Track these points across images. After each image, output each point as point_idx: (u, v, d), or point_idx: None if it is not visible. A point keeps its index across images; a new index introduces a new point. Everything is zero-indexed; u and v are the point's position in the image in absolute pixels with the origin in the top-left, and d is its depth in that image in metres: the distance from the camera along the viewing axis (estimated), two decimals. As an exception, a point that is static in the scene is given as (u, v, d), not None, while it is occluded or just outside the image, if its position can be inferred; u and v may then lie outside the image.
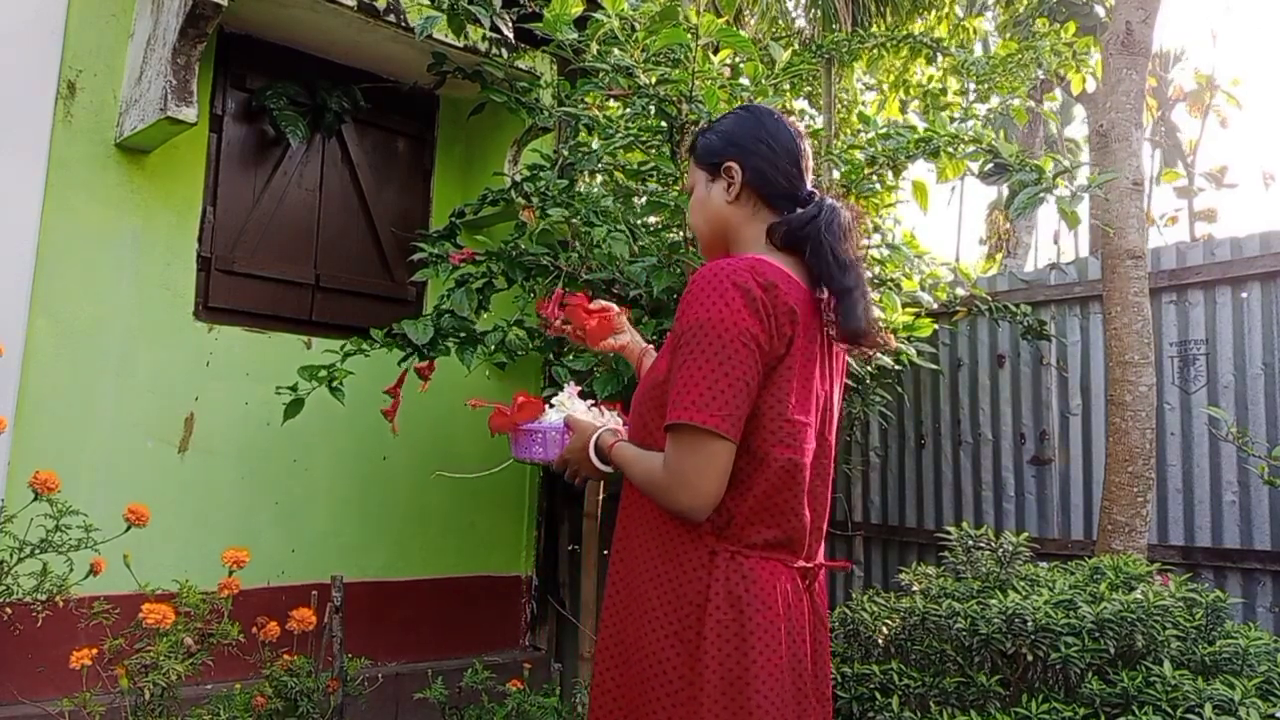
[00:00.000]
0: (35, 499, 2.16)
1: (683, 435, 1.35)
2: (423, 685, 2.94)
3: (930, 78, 5.89)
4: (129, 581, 2.30)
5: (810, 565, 1.49)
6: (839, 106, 6.51)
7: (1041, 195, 2.64)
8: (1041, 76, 5.77)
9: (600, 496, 3.67)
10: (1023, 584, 2.27)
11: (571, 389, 1.80)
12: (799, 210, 1.51)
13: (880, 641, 2.26)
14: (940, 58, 5.56)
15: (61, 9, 2.96)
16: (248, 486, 3.29)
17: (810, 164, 1.59)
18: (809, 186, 1.56)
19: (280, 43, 3.50)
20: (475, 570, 3.82)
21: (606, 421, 1.66)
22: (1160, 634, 1.97)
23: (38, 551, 2.16)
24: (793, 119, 1.61)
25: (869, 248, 3.51)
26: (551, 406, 1.75)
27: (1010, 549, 2.42)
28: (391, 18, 3.24)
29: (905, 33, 5.51)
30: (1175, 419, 3.37)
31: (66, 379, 2.94)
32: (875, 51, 5.57)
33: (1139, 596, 2.02)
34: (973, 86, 5.48)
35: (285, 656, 2.56)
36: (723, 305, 1.36)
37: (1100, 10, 9.94)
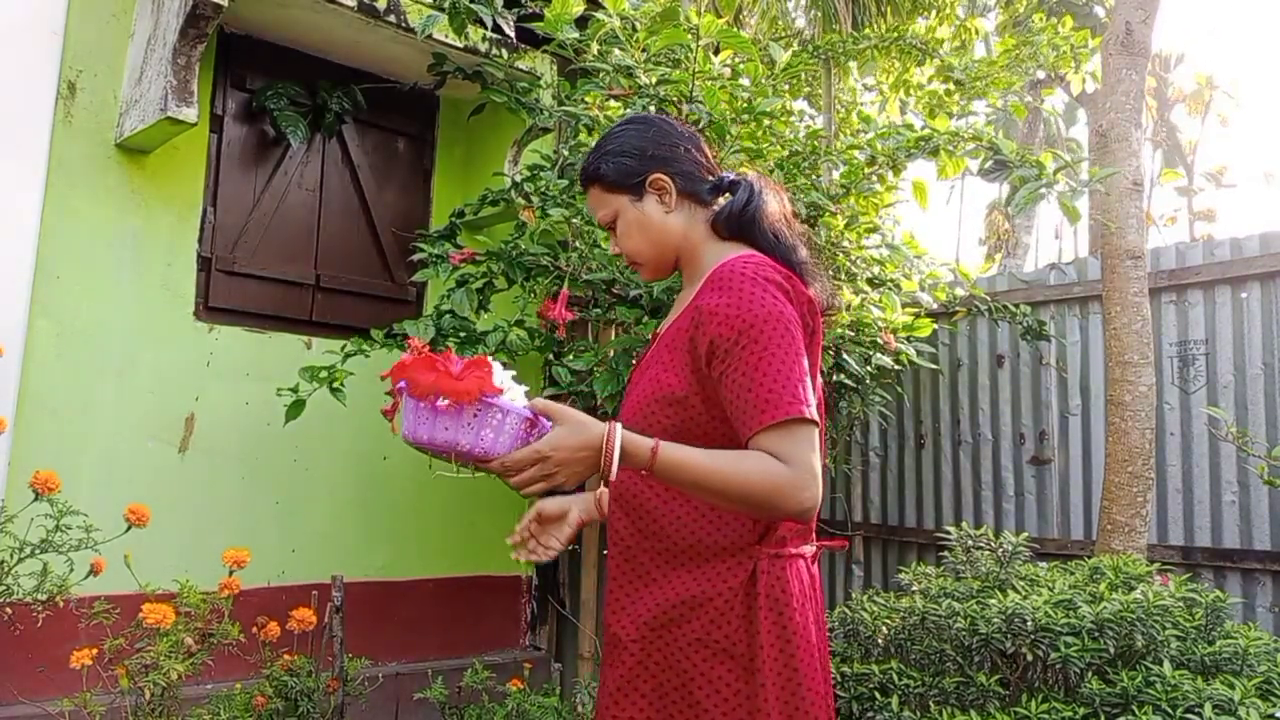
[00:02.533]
0: (35, 499, 2.16)
1: (797, 430, 1.29)
2: (423, 685, 2.94)
3: (931, 77, 5.89)
4: (129, 581, 2.30)
5: (815, 549, 1.50)
6: (838, 107, 6.51)
7: (1042, 191, 2.64)
8: (1041, 75, 5.77)
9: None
10: (1022, 584, 2.27)
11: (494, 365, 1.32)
12: (729, 197, 1.51)
13: (880, 641, 2.26)
14: (928, 60, 5.56)
15: (61, 9, 2.96)
16: (248, 486, 3.29)
17: (707, 148, 1.59)
18: (721, 172, 1.56)
19: (281, 43, 3.50)
20: (475, 570, 3.82)
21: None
22: (1160, 634, 1.97)
23: (38, 551, 2.16)
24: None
25: (868, 248, 3.51)
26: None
27: (1010, 549, 2.42)
28: (392, 18, 3.24)
29: (896, 35, 5.51)
30: (1175, 419, 3.37)
31: (66, 379, 2.94)
32: (869, 53, 5.57)
33: (1139, 596, 2.02)
34: (966, 86, 5.48)
35: (285, 656, 2.56)
36: (771, 300, 1.34)
37: (1100, 10, 9.94)
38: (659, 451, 1.27)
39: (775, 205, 1.52)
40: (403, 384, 1.23)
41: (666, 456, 1.27)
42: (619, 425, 1.27)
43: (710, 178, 1.54)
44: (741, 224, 1.49)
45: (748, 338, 1.32)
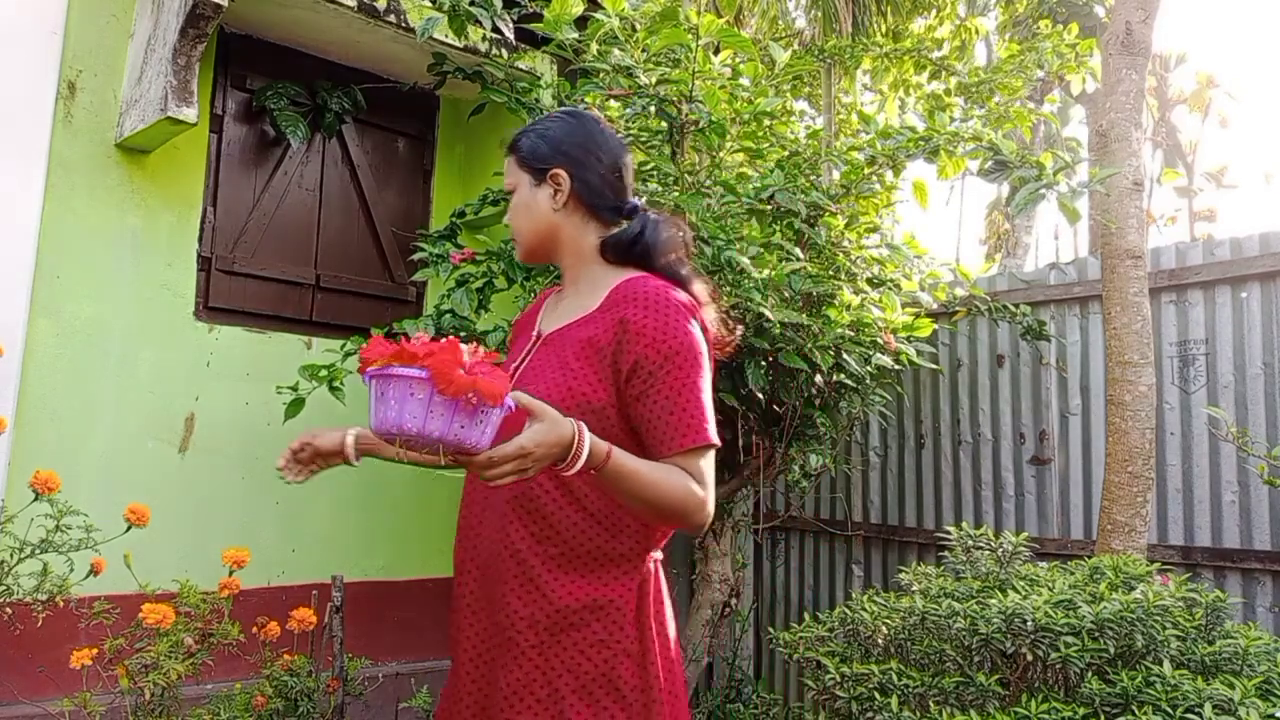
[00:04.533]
0: (35, 499, 2.16)
1: (709, 455, 1.44)
2: (423, 685, 2.94)
3: (933, 80, 5.90)
4: (129, 581, 2.30)
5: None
6: (838, 107, 6.51)
7: (1042, 191, 2.64)
8: (1042, 76, 5.78)
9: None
10: (1022, 584, 2.27)
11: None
12: (625, 224, 1.57)
13: (880, 641, 2.26)
14: (945, 75, 5.57)
15: (61, 9, 2.96)
16: (248, 486, 3.29)
17: (632, 175, 1.63)
18: (631, 199, 1.60)
19: (281, 43, 3.50)
20: (475, 570, 3.82)
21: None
22: (1160, 634, 1.97)
23: (38, 551, 2.16)
24: (614, 128, 1.63)
25: (868, 248, 3.51)
26: None
27: (1010, 549, 2.42)
28: (392, 18, 3.25)
29: (909, 44, 5.52)
30: (1175, 419, 3.37)
31: (66, 379, 2.94)
32: (878, 62, 5.58)
33: (1139, 596, 2.02)
34: (972, 91, 5.49)
35: (285, 656, 2.56)
36: (690, 329, 1.45)
37: (1100, 10, 9.94)
38: (612, 454, 1.33)
39: (672, 238, 1.57)
40: (386, 370, 1.19)
41: (617, 460, 1.33)
42: (584, 425, 1.30)
43: (613, 197, 1.57)
44: (630, 255, 1.54)
45: (672, 363, 1.42)
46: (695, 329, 1.46)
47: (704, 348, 1.46)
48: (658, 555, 1.55)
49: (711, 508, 1.43)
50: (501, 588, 1.49)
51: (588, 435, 1.29)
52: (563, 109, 1.66)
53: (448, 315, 2.81)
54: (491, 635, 1.51)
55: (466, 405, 1.17)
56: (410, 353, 1.18)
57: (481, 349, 1.23)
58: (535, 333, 1.63)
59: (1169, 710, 1.78)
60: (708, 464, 1.43)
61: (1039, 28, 5.70)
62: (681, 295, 1.49)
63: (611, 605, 1.47)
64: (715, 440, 1.44)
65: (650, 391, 1.42)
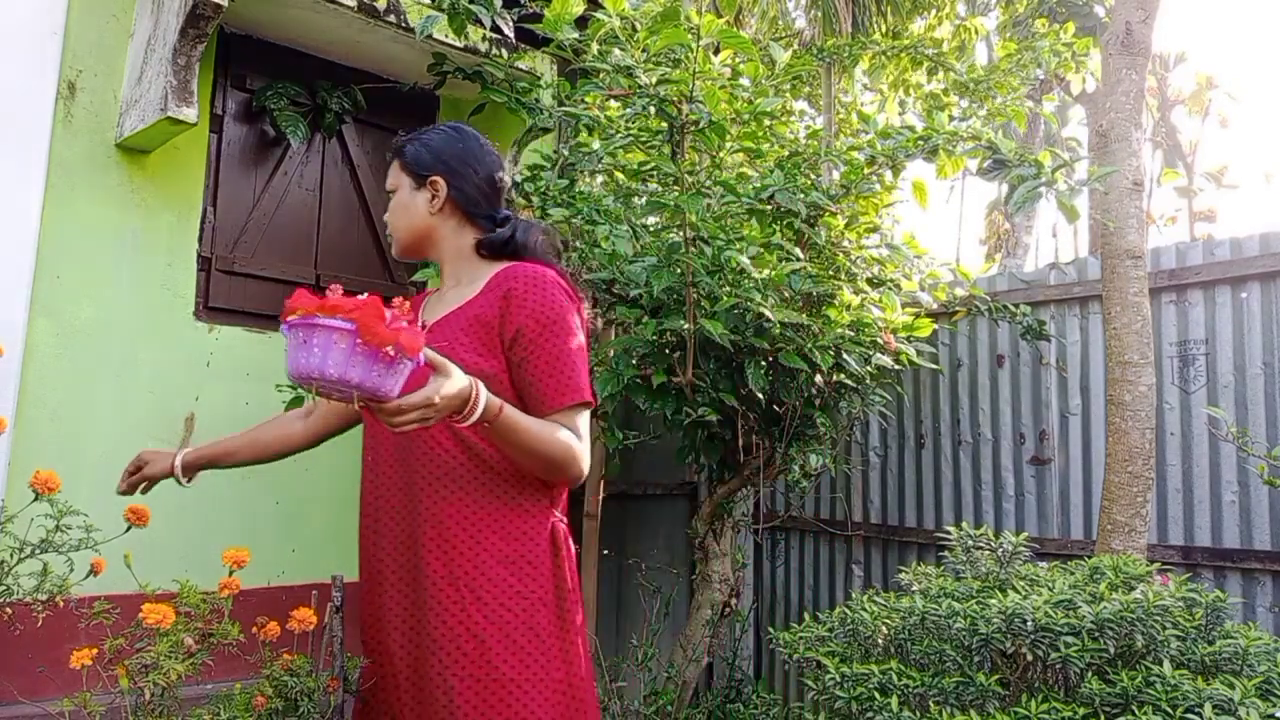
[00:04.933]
0: (36, 499, 2.16)
1: (585, 412, 1.65)
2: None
3: (931, 78, 5.90)
4: (129, 581, 2.30)
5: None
6: (838, 107, 6.51)
7: (1041, 189, 2.64)
8: (1040, 76, 5.78)
9: (600, 496, 3.67)
10: (1022, 584, 2.27)
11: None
12: (497, 229, 1.75)
13: (880, 641, 2.26)
14: (941, 71, 5.58)
15: (61, 9, 2.96)
16: (248, 486, 3.29)
17: (505, 188, 1.82)
18: (504, 210, 1.80)
19: (281, 43, 3.50)
20: (475, 570, 3.82)
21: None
22: (1160, 634, 1.97)
23: (38, 551, 2.16)
24: (495, 146, 1.83)
25: (868, 247, 3.51)
26: None
27: (1010, 549, 2.42)
28: (392, 18, 3.24)
29: (907, 43, 5.52)
30: (1175, 419, 3.37)
31: (66, 379, 2.94)
32: (876, 59, 5.59)
33: (1139, 596, 2.02)
34: (971, 89, 5.49)
35: (285, 655, 2.56)
36: (565, 300, 1.65)
37: (1100, 10, 9.94)
38: (504, 409, 1.49)
39: (542, 241, 1.78)
40: (312, 319, 1.30)
41: (508, 414, 1.50)
42: (481, 382, 1.46)
43: (486, 206, 1.77)
44: (504, 253, 1.75)
45: (551, 331, 1.61)
46: (567, 300, 1.66)
47: (574, 315, 1.66)
48: (561, 517, 1.73)
49: (588, 461, 1.63)
50: (421, 551, 1.65)
51: (483, 391, 1.45)
52: (448, 124, 1.83)
53: (448, 315, 2.80)
54: (415, 601, 1.67)
55: (385, 357, 1.29)
56: (335, 305, 1.29)
57: (406, 306, 1.37)
58: (420, 324, 1.78)
59: (1169, 710, 1.78)
60: (584, 420, 1.64)
61: (1036, 27, 5.72)
62: (561, 281, 1.69)
63: (524, 559, 1.62)
64: (590, 398, 1.63)
65: (531, 357, 1.61)
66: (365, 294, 1.34)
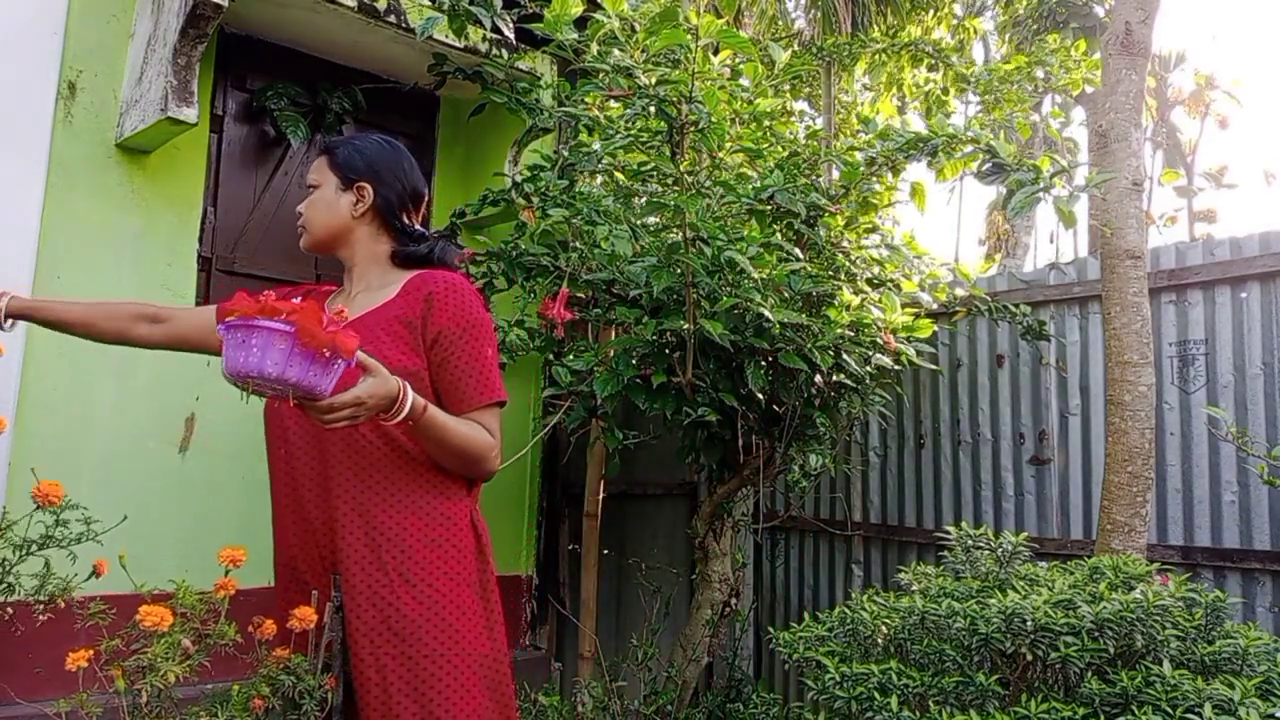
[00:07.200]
0: (37, 509, 2.16)
1: (498, 411, 1.78)
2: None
3: (927, 79, 5.90)
4: (125, 581, 2.30)
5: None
6: (838, 107, 6.51)
7: (1039, 195, 2.64)
8: (1043, 77, 5.79)
9: (600, 496, 3.68)
10: (1022, 584, 2.27)
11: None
12: (413, 243, 1.86)
13: (879, 641, 2.26)
14: (942, 67, 5.59)
15: (61, 9, 2.96)
16: (248, 486, 3.28)
17: (424, 204, 1.92)
18: (419, 225, 1.90)
19: (281, 43, 3.50)
20: (475, 570, 3.82)
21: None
22: (1160, 634, 1.97)
23: (37, 549, 2.16)
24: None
25: (868, 248, 3.51)
26: None
27: (1009, 549, 2.42)
28: (392, 18, 3.25)
29: (907, 40, 5.54)
30: (1174, 419, 3.37)
31: (66, 379, 2.94)
32: (876, 57, 5.60)
33: (1139, 596, 2.02)
34: (976, 99, 5.51)
35: (279, 652, 2.55)
36: (481, 306, 1.79)
37: (1100, 10, 9.95)
38: (428, 408, 1.61)
39: (457, 259, 1.97)
40: (252, 320, 1.36)
41: (431, 413, 1.62)
42: (408, 384, 1.58)
43: (405, 219, 1.87)
44: (420, 265, 1.85)
45: (470, 334, 1.73)
46: (484, 307, 1.80)
47: (490, 321, 1.80)
48: (477, 509, 1.85)
49: (500, 457, 1.77)
50: (341, 541, 1.71)
51: (410, 391, 1.57)
52: (381, 135, 1.93)
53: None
54: (349, 586, 1.73)
55: (320, 357, 1.36)
56: (274, 308, 1.35)
57: (345, 311, 1.47)
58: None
59: (1169, 710, 1.78)
60: (499, 418, 1.77)
61: (1045, 41, 5.72)
62: (469, 282, 1.80)
63: (449, 543, 1.73)
64: (505, 397, 1.77)
65: (452, 357, 1.72)
66: (300, 298, 1.42)
